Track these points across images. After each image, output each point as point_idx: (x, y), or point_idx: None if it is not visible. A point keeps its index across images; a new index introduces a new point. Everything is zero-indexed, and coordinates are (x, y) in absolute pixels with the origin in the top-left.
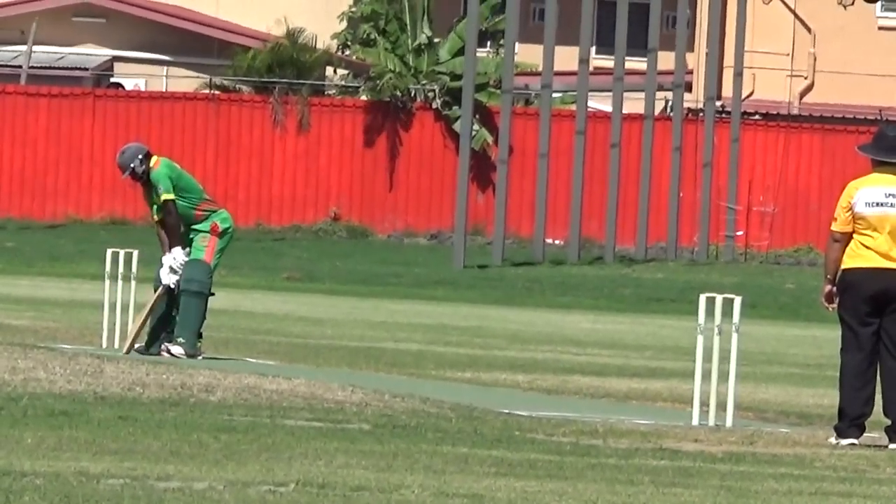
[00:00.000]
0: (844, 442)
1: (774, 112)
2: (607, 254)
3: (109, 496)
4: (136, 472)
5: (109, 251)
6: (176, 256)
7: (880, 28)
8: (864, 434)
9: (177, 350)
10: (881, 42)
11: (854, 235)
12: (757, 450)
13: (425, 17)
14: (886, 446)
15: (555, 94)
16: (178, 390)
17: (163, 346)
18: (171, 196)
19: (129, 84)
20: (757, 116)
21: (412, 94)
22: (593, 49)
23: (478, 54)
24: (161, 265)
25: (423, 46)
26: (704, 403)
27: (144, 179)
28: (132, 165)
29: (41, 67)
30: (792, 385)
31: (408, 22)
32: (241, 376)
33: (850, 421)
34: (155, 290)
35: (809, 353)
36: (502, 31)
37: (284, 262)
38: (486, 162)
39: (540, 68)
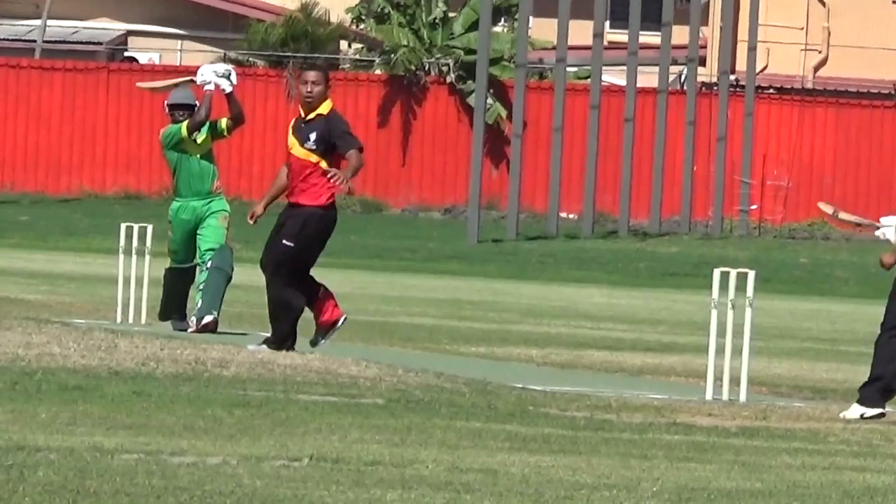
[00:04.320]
0: (871, 412)
1: (788, 86)
2: (621, 228)
3: (123, 471)
4: (150, 447)
5: (123, 226)
6: (217, 70)
7: (895, 2)
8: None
9: (255, 346)
10: (895, 16)
11: None
12: (770, 424)
13: None
14: None
15: (569, 69)
16: (192, 365)
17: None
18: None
19: (143, 58)
20: (771, 90)
21: (426, 69)
22: (607, 23)
23: (492, 29)
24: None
25: (437, 21)
26: (718, 378)
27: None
28: (196, 104)
29: (55, 42)
30: (805, 360)
31: None
32: (255, 351)
33: (883, 386)
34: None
35: (823, 327)
36: (516, 5)
37: None
38: (501, 136)
39: (554, 43)
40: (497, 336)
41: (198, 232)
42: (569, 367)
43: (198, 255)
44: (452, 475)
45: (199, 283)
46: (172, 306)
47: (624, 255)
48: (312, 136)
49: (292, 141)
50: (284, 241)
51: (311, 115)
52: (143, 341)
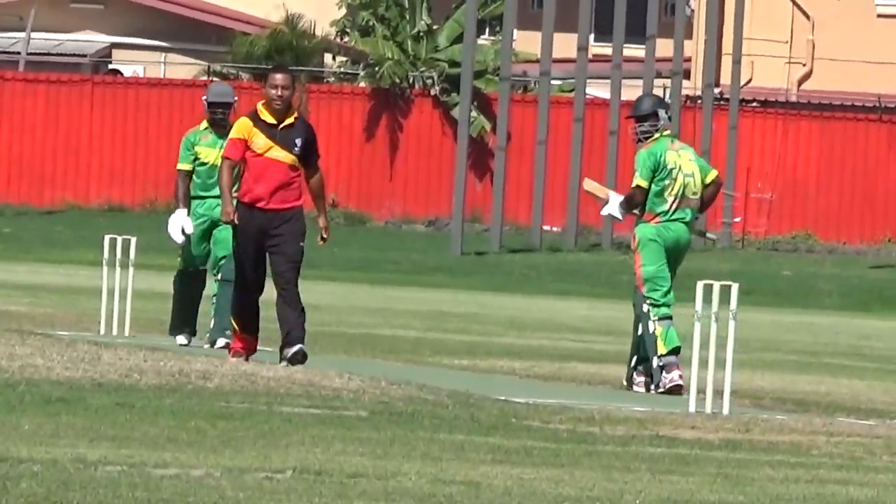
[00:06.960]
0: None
1: (773, 99)
2: (604, 240)
3: (107, 483)
4: (133, 459)
5: (107, 237)
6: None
7: (879, 15)
8: (860, 422)
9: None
10: (880, 29)
11: None
12: (753, 437)
13: (424, 4)
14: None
15: (553, 82)
16: (176, 377)
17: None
18: None
19: (127, 71)
20: (755, 104)
21: (411, 81)
22: (592, 36)
23: (477, 41)
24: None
25: (421, 33)
26: (701, 391)
27: (227, 125)
28: (234, 101)
29: (39, 54)
30: (788, 372)
31: (407, 8)
32: (239, 363)
33: None
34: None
35: (806, 340)
36: (501, 18)
37: None
38: (484, 149)
39: (538, 56)
40: (480, 348)
41: (213, 237)
42: (552, 380)
43: (210, 264)
44: (435, 487)
45: (211, 295)
46: (182, 318)
47: (607, 268)
48: (299, 142)
49: (267, 143)
50: (301, 244)
51: (290, 120)
52: (127, 353)
